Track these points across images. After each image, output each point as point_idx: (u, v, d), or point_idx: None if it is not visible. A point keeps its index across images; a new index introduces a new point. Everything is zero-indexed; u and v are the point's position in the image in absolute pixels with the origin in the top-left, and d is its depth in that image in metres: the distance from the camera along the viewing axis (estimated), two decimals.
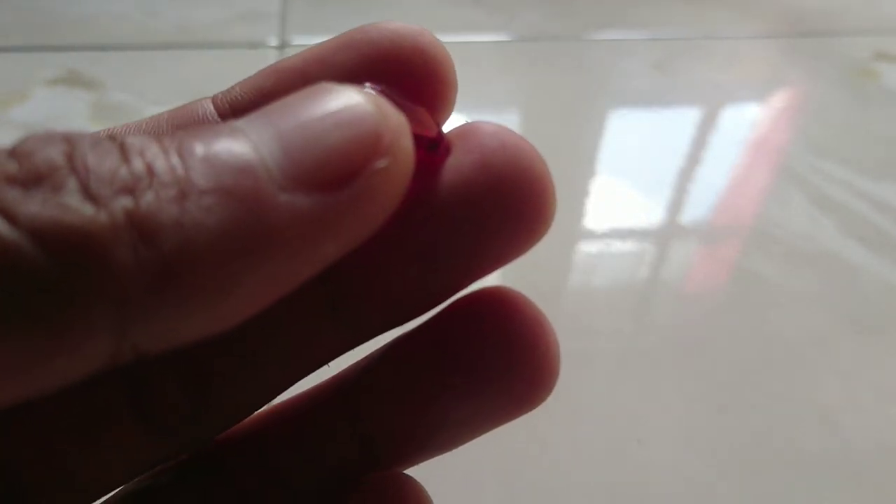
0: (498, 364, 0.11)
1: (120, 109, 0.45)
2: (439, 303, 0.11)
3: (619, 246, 0.38)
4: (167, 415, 0.11)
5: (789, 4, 0.62)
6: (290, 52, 0.53)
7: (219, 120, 0.11)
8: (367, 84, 0.10)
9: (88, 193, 0.07)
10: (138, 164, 0.07)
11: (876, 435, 0.29)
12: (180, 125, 0.11)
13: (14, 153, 0.07)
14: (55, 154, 0.07)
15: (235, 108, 0.11)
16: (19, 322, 0.06)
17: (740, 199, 0.42)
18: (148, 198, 0.07)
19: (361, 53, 0.11)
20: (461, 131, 0.11)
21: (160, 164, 0.07)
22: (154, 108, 0.45)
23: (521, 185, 0.10)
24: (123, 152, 0.07)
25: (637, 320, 0.34)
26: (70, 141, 0.07)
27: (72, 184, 0.07)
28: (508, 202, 0.10)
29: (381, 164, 0.08)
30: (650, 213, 0.40)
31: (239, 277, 0.07)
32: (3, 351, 0.06)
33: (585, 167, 0.43)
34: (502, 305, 0.11)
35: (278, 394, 0.12)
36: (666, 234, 0.39)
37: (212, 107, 0.12)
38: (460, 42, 0.55)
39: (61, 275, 0.06)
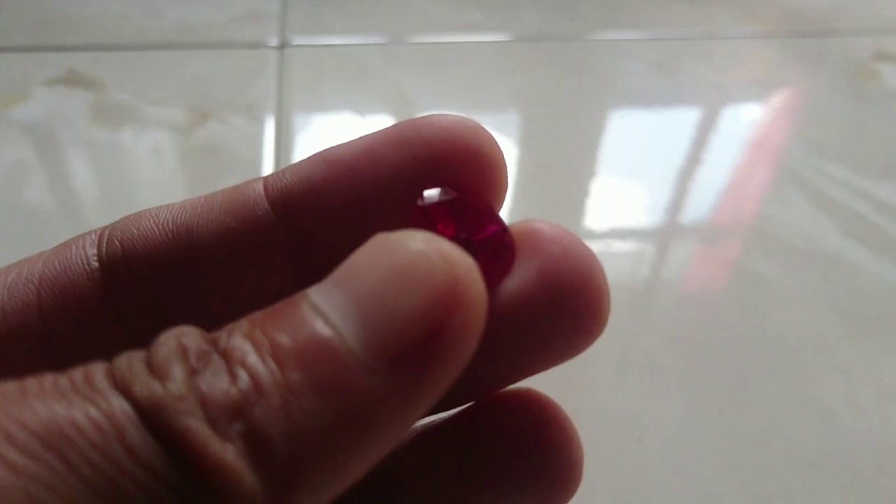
0: (526, 467, 0.11)
1: (120, 109, 0.45)
2: (485, 394, 0.11)
3: (619, 246, 0.38)
4: None
5: (789, 4, 0.62)
6: (290, 53, 0.53)
7: (267, 207, 0.12)
8: (439, 190, 0.10)
9: (212, 422, 0.08)
10: (244, 380, 0.08)
11: (876, 435, 0.29)
12: (233, 211, 0.12)
13: (153, 366, 0.08)
14: (180, 374, 0.08)
15: (286, 197, 0.11)
16: None
17: (740, 199, 0.42)
18: (257, 415, 0.08)
19: (413, 150, 0.11)
20: (520, 231, 0.11)
21: (261, 373, 0.08)
22: (154, 108, 0.45)
23: (582, 294, 0.10)
24: (230, 367, 0.08)
25: (637, 320, 0.34)
26: (186, 356, 0.08)
27: (199, 413, 0.08)
28: (569, 310, 0.10)
29: (458, 318, 0.08)
30: (650, 213, 0.40)
31: (347, 461, 0.08)
32: None
33: (585, 167, 0.43)
34: (533, 409, 0.11)
35: None
36: (666, 234, 0.39)
37: (262, 191, 0.12)
38: (460, 42, 0.55)
39: (208, 500, 0.07)
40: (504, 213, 0.35)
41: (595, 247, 0.38)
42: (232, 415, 0.08)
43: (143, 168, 0.41)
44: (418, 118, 0.11)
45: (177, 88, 0.47)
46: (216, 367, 0.08)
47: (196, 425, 0.08)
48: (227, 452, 0.08)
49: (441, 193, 0.11)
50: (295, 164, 0.12)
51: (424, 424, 0.12)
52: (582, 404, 0.30)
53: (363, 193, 0.11)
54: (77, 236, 0.12)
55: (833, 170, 0.43)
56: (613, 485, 0.27)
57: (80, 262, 0.12)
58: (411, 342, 0.08)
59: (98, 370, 0.08)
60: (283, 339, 0.08)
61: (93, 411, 0.07)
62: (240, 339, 0.08)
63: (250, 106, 0.46)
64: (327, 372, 0.08)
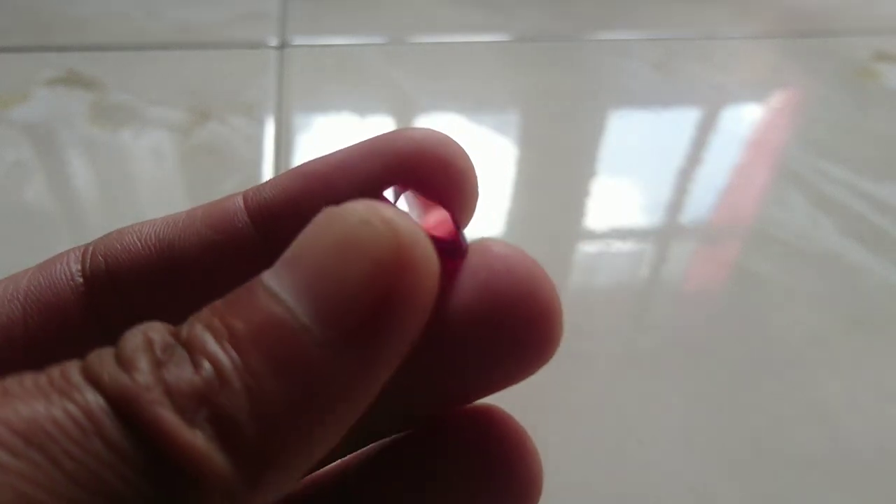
0: (484, 483, 0.11)
1: (120, 109, 0.45)
2: (444, 414, 0.12)
3: (619, 246, 0.38)
4: None
5: (789, 4, 0.62)
6: (290, 53, 0.53)
7: (247, 220, 0.12)
8: (393, 188, 0.10)
9: (180, 412, 0.08)
10: (207, 368, 0.08)
11: (876, 435, 0.29)
12: (213, 224, 0.12)
13: (121, 360, 0.08)
14: (146, 366, 0.08)
15: (265, 210, 0.12)
16: None
17: (740, 199, 0.42)
18: (222, 401, 0.08)
19: (386, 161, 0.11)
20: (476, 249, 0.11)
21: (222, 359, 0.08)
22: (154, 108, 0.45)
23: (524, 313, 0.10)
24: (192, 356, 0.08)
25: (637, 320, 0.34)
26: (151, 349, 0.08)
27: (166, 402, 0.08)
28: (512, 329, 0.10)
29: (406, 281, 0.09)
30: (650, 213, 0.40)
31: (313, 437, 0.09)
32: None
33: (585, 167, 0.43)
34: (491, 425, 0.11)
35: (310, 473, 0.12)
36: (666, 234, 0.39)
37: (242, 205, 0.12)
38: (460, 42, 0.55)
39: (187, 489, 0.08)
40: (503, 214, 0.35)
41: (595, 247, 0.38)
42: (198, 402, 0.08)
43: (143, 168, 0.41)
44: (391, 131, 0.12)
45: (177, 88, 0.47)
46: (180, 358, 0.08)
47: (165, 414, 0.08)
48: (197, 439, 0.08)
49: (396, 189, 0.11)
50: (273, 179, 0.12)
51: (385, 442, 0.12)
52: (582, 404, 0.30)
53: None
54: (61, 253, 0.12)
55: (833, 170, 0.43)
56: (613, 485, 0.27)
57: (64, 277, 0.12)
58: (362, 311, 0.08)
59: (73, 366, 0.08)
60: (239, 324, 0.08)
61: (70, 407, 0.08)
62: (200, 329, 0.09)
63: (250, 106, 0.46)
64: (284, 351, 0.08)
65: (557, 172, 0.43)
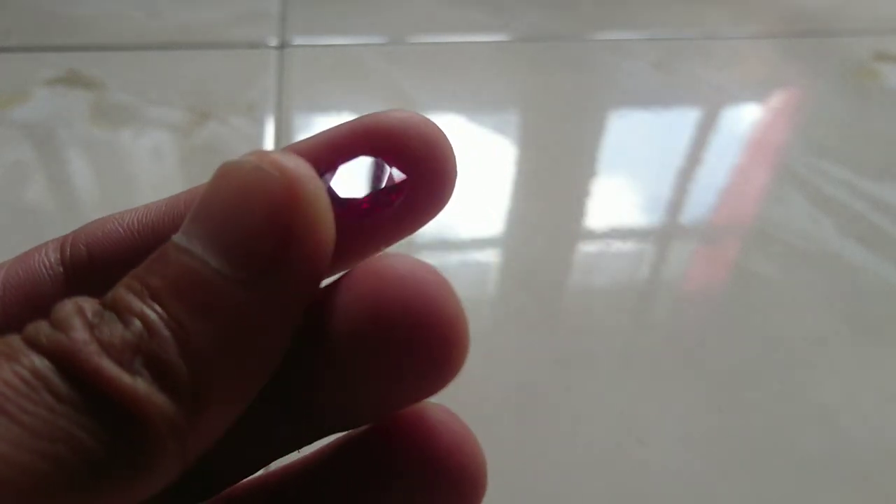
0: (425, 479, 0.12)
1: (120, 109, 0.45)
2: (383, 415, 0.12)
3: (619, 246, 0.38)
4: None
5: (789, 4, 0.62)
6: (290, 53, 0.53)
7: None
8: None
9: (118, 362, 0.09)
10: (135, 323, 0.09)
11: (876, 435, 0.29)
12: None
13: (56, 323, 0.09)
14: (80, 325, 0.09)
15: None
16: (120, 468, 0.08)
17: (740, 199, 0.42)
18: (153, 348, 0.09)
19: (369, 141, 0.12)
20: (381, 263, 0.11)
21: (147, 313, 0.09)
22: (154, 108, 0.45)
23: (412, 330, 0.10)
24: (120, 316, 0.09)
25: (637, 320, 0.34)
26: (83, 314, 0.09)
27: (103, 354, 0.09)
28: (417, 345, 0.10)
29: (303, 215, 0.09)
30: (650, 213, 0.40)
31: (244, 368, 0.09)
32: (118, 485, 0.08)
33: (585, 167, 0.43)
34: (426, 424, 0.12)
35: (254, 471, 0.13)
36: (666, 234, 0.39)
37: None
38: (460, 42, 0.55)
39: (136, 428, 0.09)
40: (504, 214, 0.35)
41: (595, 247, 0.38)
42: (132, 353, 0.09)
43: (143, 168, 0.41)
44: (377, 112, 0.12)
45: (177, 88, 0.47)
46: (109, 319, 0.09)
47: (105, 363, 0.09)
48: (138, 383, 0.09)
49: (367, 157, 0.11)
50: (244, 155, 0.12)
51: (336, 442, 0.13)
52: (582, 404, 0.30)
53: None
54: (38, 245, 0.13)
55: (833, 170, 0.43)
56: (613, 485, 0.27)
57: (43, 267, 0.12)
58: (266, 246, 0.09)
59: (13, 337, 0.09)
60: (156, 280, 0.09)
61: (17, 368, 0.08)
62: (122, 291, 0.09)
63: (250, 106, 0.46)
64: (201, 295, 0.09)
65: (557, 172, 0.43)
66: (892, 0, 0.63)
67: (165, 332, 0.09)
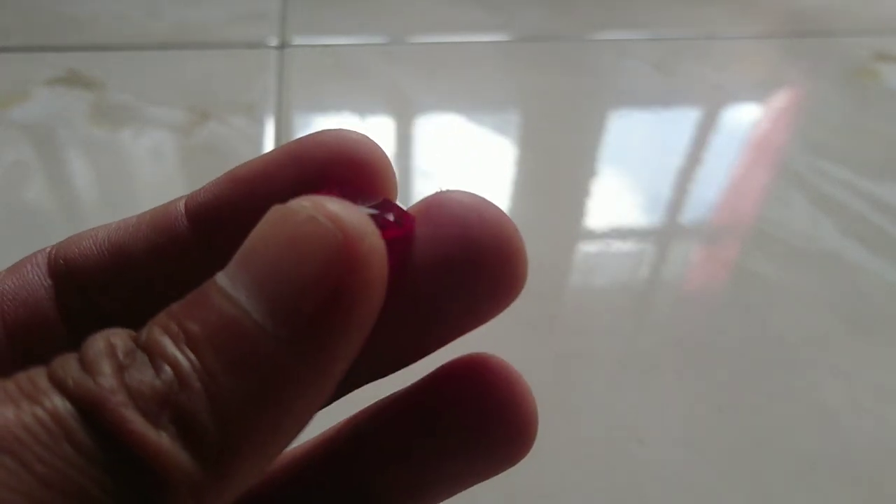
0: (481, 427, 0.12)
1: (120, 109, 0.45)
2: (422, 356, 0.12)
3: (619, 246, 0.38)
4: None
5: (789, 4, 0.62)
6: (290, 53, 0.53)
7: (187, 224, 0.12)
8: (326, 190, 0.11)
9: (145, 414, 0.08)
10: (167, 371, 0.09)
11: (876, 435, 0.29)
12: (158, 226, 0.12)
13: (85, 364, 0.09)
14: (109, 370, 0.09)
15: (201, 214, 0.12)
16: None
17: (740, 199, 0.42)
18: (182, 401, 0.08)
19: (303, 166, 0.12)
20: (436, 200, 0.11)
21: (181, 362, 0.09)
22: (154, 108, 0.45)
23: (500, 258, 0.11)
24: (152, 360, 0.09)
25: (637, 320, 0.34)
26: (114, 355, 0.09)
27: (131, 405, 0.08)
28: (488, 273, 0.11)
29: (356, 275, 0.09)
30: (650, 213, 0.40)
31: (274, 429, 0.09)
32: None
33: (585, 167, 0.43)
34: (484, 371, 0.12)
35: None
36: (666, 234, 0.39)
37: (183, 209, 0.13)
38: (460, 42, 0.55)
39: (156, 487, 0.08)
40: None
41: (595, 247, 0.38)
42: (160, 404, 0.08)
43: (143, 168, 0.41)
44: (309, 135, 0.12)
45: (177, 88, 0.47)
46: (141, 362, 0.09)
47: (131, 416, 0.08)
48: (163, 439, 0.08)
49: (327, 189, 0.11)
50: (209, 183, 0.13)
51: (387, 397, 0.13)
52: (582, 404, 0.30)
53: (264, 207, 0.11)
54: (28, 255, 0.13)
55: (833, 170, 0.43)
56: (613, 485, 0.27)
57: (35, 277, 0.12)
58: (314, 305, 0.09)
59: (40, 373, 0.09)
60: (195, 326, 0.09)
61: (39, 412, 0.08)
62: (157, 332, 0.09)
63: (250, 106, 0.46)
64: (239, 349, 0.09)
65: (557, 172, 0.43)
66: (892, 0, 0.63)
67: (197, 385, 0.08)
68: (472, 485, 0.12)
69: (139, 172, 0.41)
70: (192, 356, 0.09)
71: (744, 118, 0.49)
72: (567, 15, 0.59)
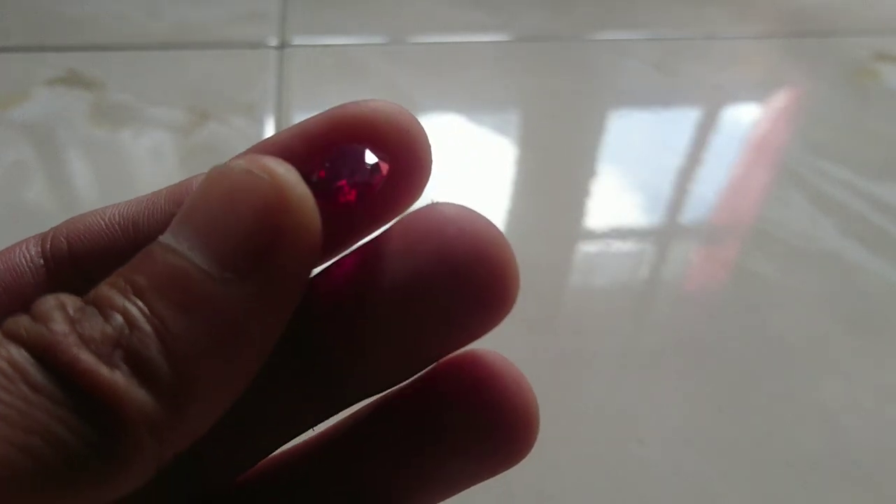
0: (480, 426, 0.12)
1: (120, 109, 0.45)
2: (414, 374, 0.12)
3: (619, 246, 0.38)
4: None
5: (789, 4, 0.62)
6: (290, 53, 0.53)
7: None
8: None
9: (97, 355, 0.09)
10: (116, 318, 0.09)
11: (876, 435, 0.29)
12: (178, 201, 0.13)
13: (36, 317, 0.09)
14: (61, 318, 0.09)
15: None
16: (96, 461, 0.08)
17: (740, 199, 0.42)
18: (134, 343, 0.09)
19: (342, 131, 0.12)
20: (422, 214, 0.11)
21: (129, 308, 0.09)
22: (154, 108, 0.45)
23: (480, 274, 0.11)
24: (102, 311, 0.09)
25: (637, 320, 0.34)
26: (64, 308, 0.09)
27: (83, 347, 0.09)
28: (467, 288, 0.11)
29: (290, 219, 0.09)
30: (650, 213, 0.40)
31: (226, 367, 0.09)
32: (93, 479, 0.08)
33: (585, 167, 0.43)
34: (482, 369, 0.12)
35: (269, 454, 0.13)
36: (666, 234, 0.39)
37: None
38: (460, 42, 0.55)
39: (113, 422, 0.09)
40: (503, 213, 0.35)
41: (595, 247, 0.38)
42: (112, 346, 0.09)
43: (143, 168, 0.41)
44: (350, 102, 0.12)
45: (177, 88, 0.47)
46: (90, 314, 0.09)
47: (83, 355, 0.09)
48: (116, 376, 0.09)
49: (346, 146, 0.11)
50: (234, 157, 0.13)
51: (381, 397, 0.13)
52: (582, 404, 0.30)
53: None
54: (19, 241, 0.13)
55: (833, 170, 0.43)
56: (613, 485, 0.27)
57: (24, 261, 0.13)
58: (253, 248, 0.09)
59: None
60: (141, 278, 0.09)
61: None
62: (105, 288, 0.09)
63: (250, 106, 0.46)
64: (186, 292, 0.09)
65: (557, 172, 0.43)
66: (892, 0, 0.63)
67: (147, 328, 0.09)
68: (471, 485, 0.12)
69: (139, 172, 0.41)
70: (140, 303, 0.09)
71: (744, 118, 0.49)
72: (567, 15, 0.59)
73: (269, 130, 0.44)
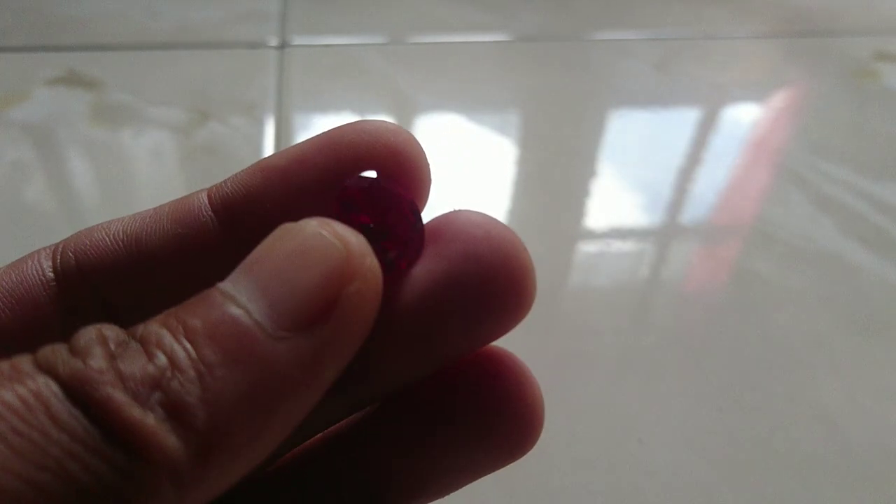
0: (488, 416, 0.12)
1: (120, 109, 0.45)
2: (429, 374, 0.12)
3: (619, 246, 0.38)
4: None
5: (789, 4, 0.62)
6: (290, 52, 0.53)
7: (211, 215, 0.13)
8: (358, 177, 0.11)
9: (132, 395, 0.08)
10: (160, 358, 0.09)
11: (876, 435, 0.29)
12: (179, 219, 0.13)
13: (75, 350, 0.09)
14: (100, 354, 0.09)
15: (227, 205, 0.13)
16: (114, 500, 0.08)
17: (740, 199, 0.42)
18: (174, 386, 0.08)
19: (340, 155, 0.12)
20: (448, 218, 0.11)
21: (176, 350, 0.09)
22: (154, 108, 0.45)
23: (504, 276, 0.11)
24: (146, 349, 0.09)
25: (637, 320, 0.34)
26: (105, 343, 0.09)
27: (119, 385, 0.08)
28: (492, 291, 0.11)
29: (353, 287, 0.09)
30: (650, 213, 0.40)
31: (264, 425, 0.09)
32: None
33: (585, 167, 0.43)
34: (489, 360, 0.12)
35: (291, 450, 0.13)
36: (666, 234, 0.39)
37: (206, 200, 0.13)
38: (460, 42, 0.55)
39: (135, 464, 0.08)
40: (504, 214, 0.35)
41: (595, 247, 0.38)
42: (150, 387, 0.08)
43: (143, 168, 0.41)
44: (345, 124, 0.12)
45: (177, 88, 0.47)
46: (134, 351, 0.09)
47: (116, 394, 0.08)
48: (148, 418, 0.08)
49: (358, 180, 0.11)
50: (235, 175, 0.13)
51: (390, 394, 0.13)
52: (582, 404, 0.30)
53: (296, 197, 0.12)
54: (31, 252, 0.13)
55: (833, 170, 0.43)
56: (613, 485, 0.27)
57: (35, 274, 0.12)
58: (312, 311, 0.09)
59: (24, 358, 0.09)
60: (196, 321, 0.09)
61: (20, 389, 0.08)
62: (155, 326, 0.09)
63: (250, 106, 0.46)
64: (237, 344, 0.09)
65: (557, 172, 0.43)
66: (892, 0, 0.63)
67: (191, 372, 0.09)
68: (477, 478, 0.12)
69: (139, 172, 0.41)
70: (188, 346, 0.09)
71: (744, 118, 0.49)
72: (567, 15, 0.59)
73: (269, 130, 0.44)
